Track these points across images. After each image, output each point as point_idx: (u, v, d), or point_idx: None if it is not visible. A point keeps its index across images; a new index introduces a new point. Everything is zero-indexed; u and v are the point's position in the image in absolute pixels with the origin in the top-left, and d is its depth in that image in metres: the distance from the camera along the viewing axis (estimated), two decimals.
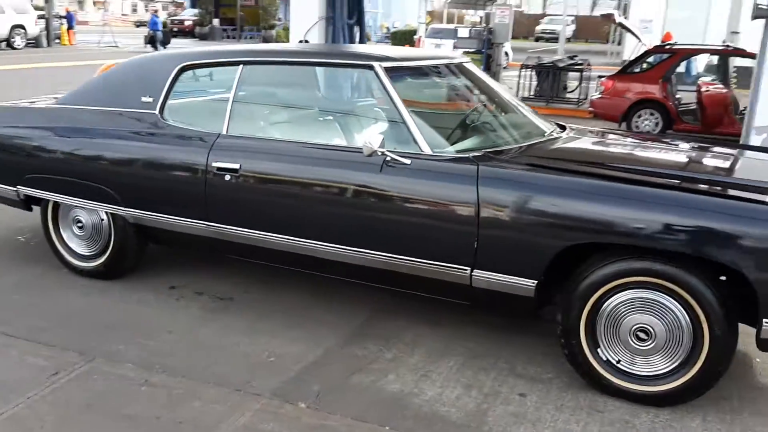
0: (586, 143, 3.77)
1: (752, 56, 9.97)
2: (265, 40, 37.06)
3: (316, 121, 3.99)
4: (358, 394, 2.96)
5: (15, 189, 4.14)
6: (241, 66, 3.70)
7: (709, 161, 3.66)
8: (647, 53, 10.95)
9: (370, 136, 3.09)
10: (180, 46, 26.04)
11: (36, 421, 2.72)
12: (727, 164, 3.64)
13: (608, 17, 12.12)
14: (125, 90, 3.94)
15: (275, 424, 2.73)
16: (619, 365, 2.93)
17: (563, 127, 3.89)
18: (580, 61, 13.22)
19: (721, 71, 10.59)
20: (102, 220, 4.00)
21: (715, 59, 12.73)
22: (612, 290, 2.86)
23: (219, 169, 3.51)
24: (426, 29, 27.21)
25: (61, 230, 4.16)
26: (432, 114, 3.56)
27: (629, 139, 4.04)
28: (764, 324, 2.62)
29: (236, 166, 3.47)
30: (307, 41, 7.32)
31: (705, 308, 2.71)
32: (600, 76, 12.82)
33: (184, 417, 2.77)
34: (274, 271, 4.23)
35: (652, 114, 10.20)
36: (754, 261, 2.59)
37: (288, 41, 32.28)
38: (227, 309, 3.78)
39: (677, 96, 10.46)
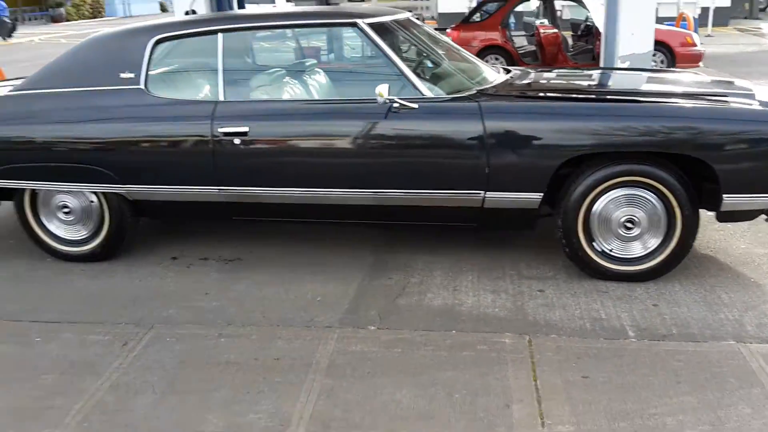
0: (544, 78, 4.39)
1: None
2: (54, 20, 34.03)
3: (310, 80, 4.25)
4: (411, 313, 3.40)
5: None
6: (220, 34, 3.86)
7: (647, 79, 4.41)
8: (482, 3, 11.94)
9: (379, 87, 3.45)
10: None
11: (142, 383, 2.86)
12: (661, 82, 4.37)
13: None
14: (98, 69, 3.92)
15: (361, 345, 3.11)
16: (612, 253, 3.62)
17: (507, 70, 4.49)
18: (415, 17, 14.00)
19: (549, 14, 11.85)
20: (92, 202, 4.00)
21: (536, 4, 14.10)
22: (601, 192, 3.53)
23: (226, 134, 3.69)
24: None
25: (43, 219, 4.09)
26: (409, 64, 3.97)
27: (569, 72, 4.71)
28: (724, 198, 3.42)
29: (245, 129, 3.67)
30: (194, 11, 7.31)
31: (676, 195, 3.45)
32: (437, 29, 13.71)
33: (278, 354, 3.06)
34: (264, 231, 4.49)
35: (497, 59, 11.23)
36: (716, 152, 3.36)
37: (78, 18, 29.50)
38: (243, 268, 4.00)
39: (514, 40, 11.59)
